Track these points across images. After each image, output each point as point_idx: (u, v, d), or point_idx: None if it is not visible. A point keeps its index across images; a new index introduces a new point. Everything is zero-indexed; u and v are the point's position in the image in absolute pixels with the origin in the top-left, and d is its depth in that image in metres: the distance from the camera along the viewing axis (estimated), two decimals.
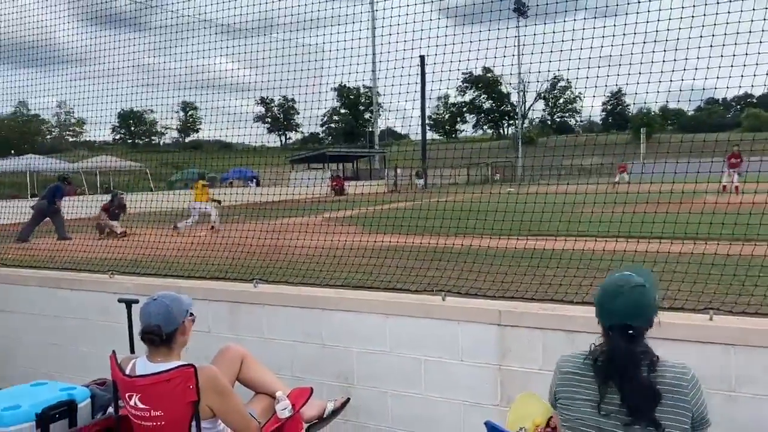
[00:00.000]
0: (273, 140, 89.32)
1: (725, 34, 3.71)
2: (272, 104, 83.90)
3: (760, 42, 3.55)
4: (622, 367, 2.06)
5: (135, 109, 57.46)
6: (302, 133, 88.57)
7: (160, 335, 2.87)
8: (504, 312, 3.88)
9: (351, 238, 6.12)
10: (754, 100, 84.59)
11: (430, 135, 75.27)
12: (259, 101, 76.77)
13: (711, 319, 3.44)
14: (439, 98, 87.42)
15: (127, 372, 2.92)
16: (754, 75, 3.70)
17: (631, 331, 2.08)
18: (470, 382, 3.96)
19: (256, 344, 4.56)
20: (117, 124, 77.79)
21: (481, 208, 5.46)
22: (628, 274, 2.19)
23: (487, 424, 2.57)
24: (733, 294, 3.99)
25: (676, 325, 3.39)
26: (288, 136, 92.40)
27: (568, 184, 5.76)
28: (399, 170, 36.85)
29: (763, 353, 3.19)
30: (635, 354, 2.07)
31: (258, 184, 25.00)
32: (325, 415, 3.62)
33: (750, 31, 3.58)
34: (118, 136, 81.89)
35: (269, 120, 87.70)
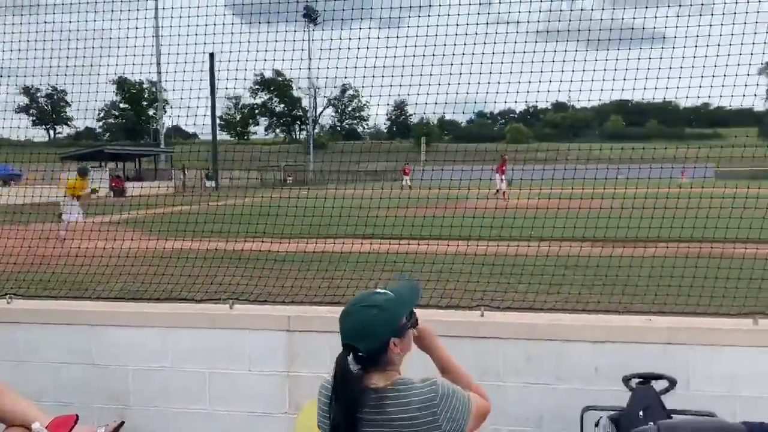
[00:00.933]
0: (39, 134, 79.96)
1: (493, 53, 4.06)
2: (38, 94, 75.08)
3: (522, 62, 3.96)
4: (339, 392, 1.92)
5: None
6: (75, 127, 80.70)
7: None
8: (293, 317, 3.83)
9: (128, 245, 5.61)
10: (516, 116, 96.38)
11: (221, 136, 73.38)
12: (23, 90, 68.26)
13: (482, 315, 3.72)
14: (229, 98, 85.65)
15: None
16: (517, 92, 4.12)
17: (360, 354, 1.91)
18: (258, 392, 3.85)
19: (10, 369, 3.97)
20: None
21: (272, 212, 5.35)
22: (378, 292, 2.01)
23: None
24: (500, 291, 4.37)
25: (452, 322, 3.62)
26: (57, 130, 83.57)
27: (355, 188, 5.91)
28: (187, 171, 35.13)
29: (526, 344, 3.54)
30: (352, 380, 1.90)
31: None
32: None
33: (514, 52, 3.97)
34: None
35: (35, 112, 78.43)
